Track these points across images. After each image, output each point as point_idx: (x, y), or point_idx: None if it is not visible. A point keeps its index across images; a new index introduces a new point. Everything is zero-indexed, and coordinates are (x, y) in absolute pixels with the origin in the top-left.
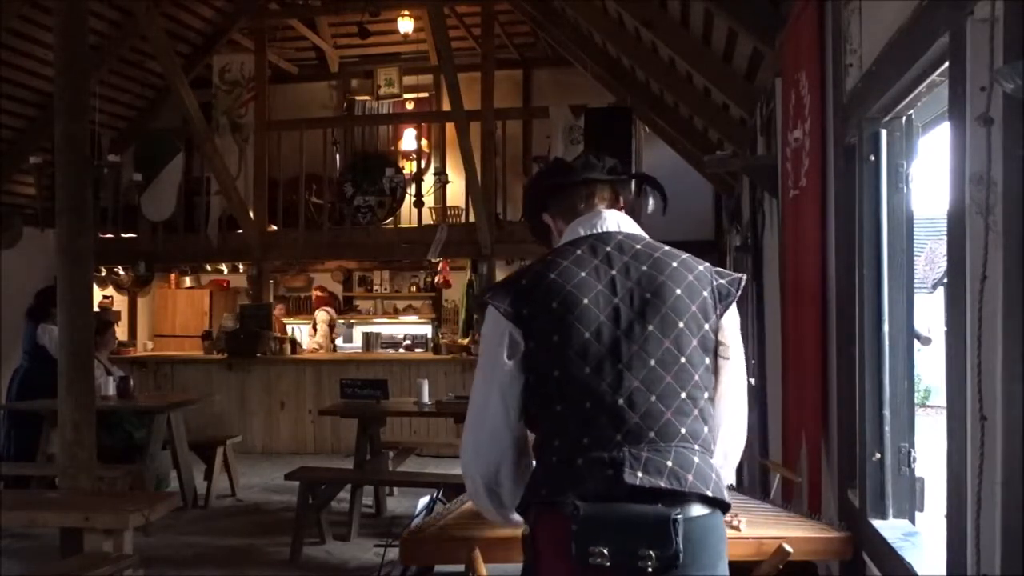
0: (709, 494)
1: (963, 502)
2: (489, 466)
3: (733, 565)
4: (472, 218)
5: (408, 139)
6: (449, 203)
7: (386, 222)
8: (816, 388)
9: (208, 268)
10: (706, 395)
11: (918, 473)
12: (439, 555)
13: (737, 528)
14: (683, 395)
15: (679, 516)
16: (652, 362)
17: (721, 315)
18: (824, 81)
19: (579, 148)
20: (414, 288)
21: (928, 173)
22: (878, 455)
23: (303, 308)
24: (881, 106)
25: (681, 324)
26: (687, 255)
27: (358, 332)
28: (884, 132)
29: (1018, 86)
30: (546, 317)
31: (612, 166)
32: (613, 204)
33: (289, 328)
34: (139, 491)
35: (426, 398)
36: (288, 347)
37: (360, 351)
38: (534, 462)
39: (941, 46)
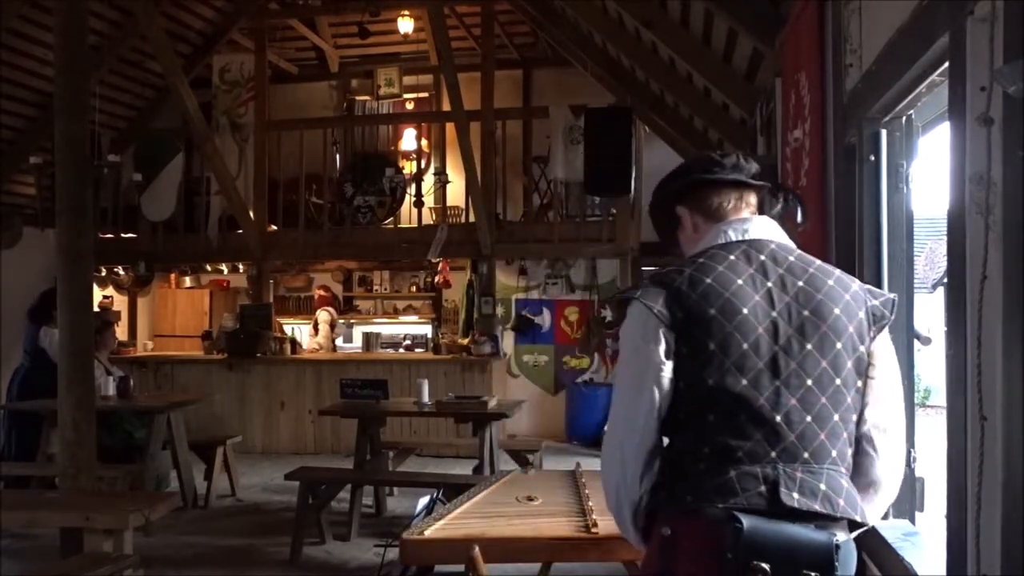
0: (858, 519)
1: (963, 502)
2: (634, 478)
3: None
4: (472, 218)
5: (408, 139)
6: (449, 203)
7: (386, 222)
8: None
9: (208, 268)
10: (854, 418)
11: (918, 473)
12: (439, 555)
13: None
14: (836, 417)
15: (839, 543)
16: (809, 382)
17: (874, 338)
18: (824, 81)
19: (579, 148)
20: (414, 288)
21: (928, 173)
22: None
23: (303, 308)
24: (881, 106)
25: (839, 345)
26: (840, 271)
27: (358, 332)
28: (884, 132)
29: (1018, 87)
30: (703, 324)
31: (757, 172)
32: (758, 210)
33: (288, 328)
34: (139, 491)
35: (426, 398)
36: (288, 347)
37: (360, 351)
38: (660, 466)
39: (941, 46)
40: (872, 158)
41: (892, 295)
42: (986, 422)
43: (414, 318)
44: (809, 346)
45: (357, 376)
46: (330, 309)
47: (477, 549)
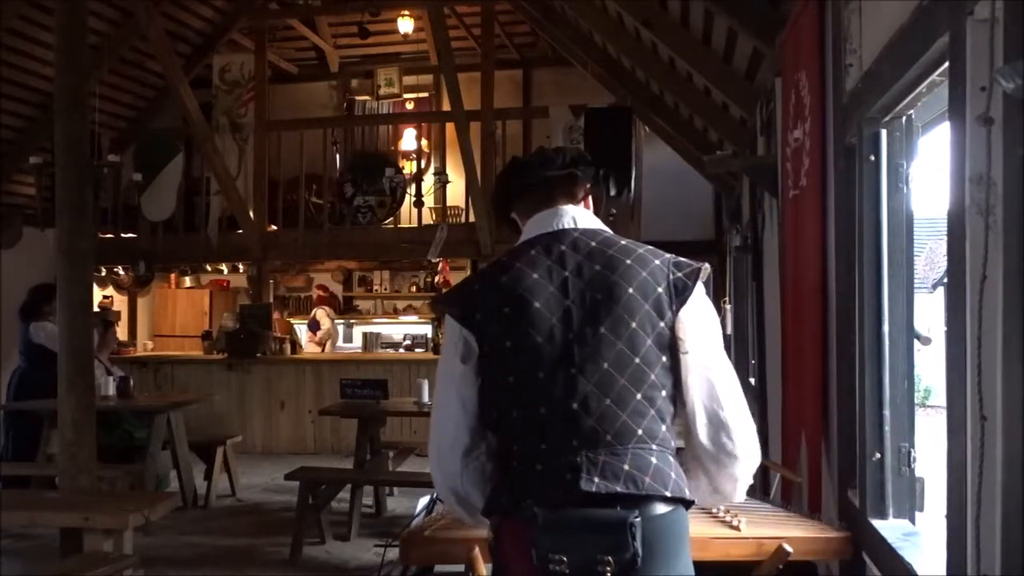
0: (668, 494)
1: (963, 502)
2: (453, 472)
3: (733, 565)
4: (472, 218)
5: (408, 139)
6: (449, 203)
7: (386, 222)
8: (816, 388)
9: (208, 268)
10: (663, 393)
11: (918, 473)
12: (439, 555)
13: (737, 528)
14: (638, 396)
15: (637, 519)
16: (605, 365)
17: (678, 310)
18: (824, 81)
19: (579, 148)
20: (414, 288)
21: (928, 173)
22: (878, 455)
23: (303, 308)
24: (881, 106)
25: (634, 324)
26: (645, 248)
27: (358, 332)
28: (884, 132)
29: (1018, 86)
30: (498, 322)
31: (573, 157)
32: (573, 198)
33: (298, 329)
34: (139, 491)
35: (426, 398)
36: (288, 347)
37: (360, 351)
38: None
39: (941, 46)
40: (872, 158)
41: (700, 264)
42: (986, 422)
43: (414, 318)
44: (603, 329)
45: (357, 376)
46: (327, 308)
47: (477, 549)
